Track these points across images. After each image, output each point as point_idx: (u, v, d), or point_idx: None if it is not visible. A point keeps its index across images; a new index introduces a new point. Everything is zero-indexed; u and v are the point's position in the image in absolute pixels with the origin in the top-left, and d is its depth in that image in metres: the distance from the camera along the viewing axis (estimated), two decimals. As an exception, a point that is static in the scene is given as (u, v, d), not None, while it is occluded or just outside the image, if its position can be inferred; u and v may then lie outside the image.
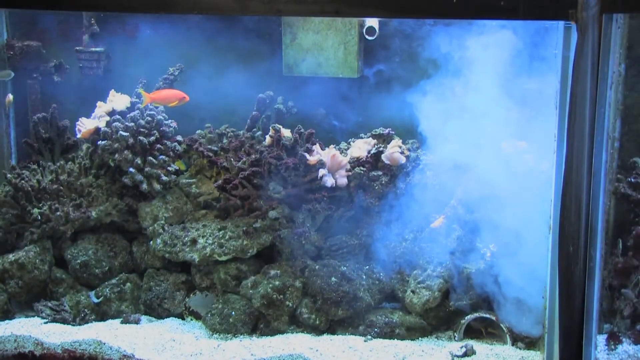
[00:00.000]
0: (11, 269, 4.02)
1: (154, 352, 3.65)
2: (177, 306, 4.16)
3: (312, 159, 3.99)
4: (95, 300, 4.14)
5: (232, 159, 4.16)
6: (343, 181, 4.04)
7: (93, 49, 4.56)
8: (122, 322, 4.04)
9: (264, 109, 4.46)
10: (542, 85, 3.46)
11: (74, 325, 3.99)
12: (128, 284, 4.22)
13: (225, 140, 4.42)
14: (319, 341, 3.80)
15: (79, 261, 4.18)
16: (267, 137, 4.13)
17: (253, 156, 4.08)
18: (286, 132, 4.11)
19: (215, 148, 4.31)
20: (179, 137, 4.38)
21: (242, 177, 4.01)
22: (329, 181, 3.98)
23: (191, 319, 4.12)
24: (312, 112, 4.46)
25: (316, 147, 4.05)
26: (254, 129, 4.43)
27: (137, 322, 4.03)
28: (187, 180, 4.35)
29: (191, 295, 4.16)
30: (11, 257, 4.05)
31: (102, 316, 4.16)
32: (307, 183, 4.02)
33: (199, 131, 4.50)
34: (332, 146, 4.21)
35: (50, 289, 4.15)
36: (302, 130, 4.09)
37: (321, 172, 3.98)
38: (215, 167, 4.25)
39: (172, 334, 3.88)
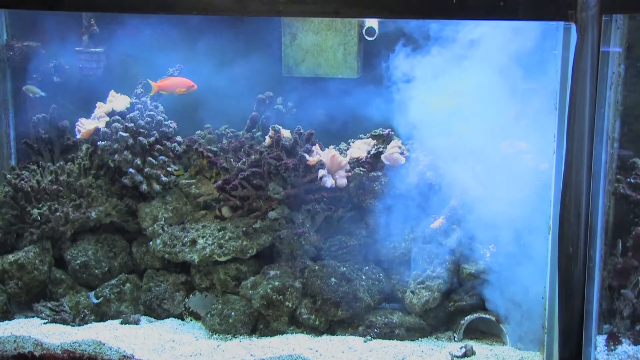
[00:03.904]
0: (11, 269, 4.01)
1: (153, 352, 3.64)
2: (176, 307, 4.15)
3: (311, 159, 3.97)
4: (95, 301, 4.14)
5: (231, 160, 4.14)
6: (343, 182, 4.03)
7: (93, 50, 4.55)
8: (121, 323, 4.03)
9: (264, 109, 4.45)
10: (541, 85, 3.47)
11: (73, 325, 3.97)
12: (128, 285, 4.21)
13: (224, 141, 4.41)
14: (318, 342, 3.80)
15: (78, 262, 4.16)
16: (267, 137, 4.12)
17: (253, 157, 4.07)
18: (286, 133, 4.09)
19: (215, 149, 4.31)
20: (179, 138, 4.37)
21: (241, 178, 3.99)
22: (329, 182, 3.97)
23: (191, 320, 4.11)
24: (312, 113, 4.43)
25: (316, 148, 4.04)
26: (254, 130, 4.42)
27: (136, 322, 4.02)
28: (186, 181, 4.33)
29: (191, 295, 4.15)
30: (11, 257, 4.03)
31: (101, 317, 4.15)
32: (306, 183, 4.01)
33: (198, 132, 4.50)
34: (331, 147, 4.21)
35: (50, 290, 4.14)
36: (301, 130, 4.06)
37: (321, 172, 3.97)
38: (215, 167, 4.25)
39: (172, 334, 3.88)
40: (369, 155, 4.13)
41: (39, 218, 4.06)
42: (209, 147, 4.33)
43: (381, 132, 4.25)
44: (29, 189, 4.08)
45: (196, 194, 4.31)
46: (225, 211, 4.15)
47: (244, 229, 3.98)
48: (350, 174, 4.06)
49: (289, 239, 3.98)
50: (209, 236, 4.03)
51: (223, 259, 3.98)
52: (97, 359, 3.65)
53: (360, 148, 4.18)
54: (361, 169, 4.07)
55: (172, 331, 3.93)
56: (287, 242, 3.99)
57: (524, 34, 3.48)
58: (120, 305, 4.16)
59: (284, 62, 4.34)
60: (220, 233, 4.02)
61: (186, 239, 4.07)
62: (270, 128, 4.10)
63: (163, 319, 4.14)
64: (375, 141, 4.21)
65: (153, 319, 4.14)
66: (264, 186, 4.02)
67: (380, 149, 4.12)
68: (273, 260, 4.11)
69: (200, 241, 4.02)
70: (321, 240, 4.10)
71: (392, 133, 4.23)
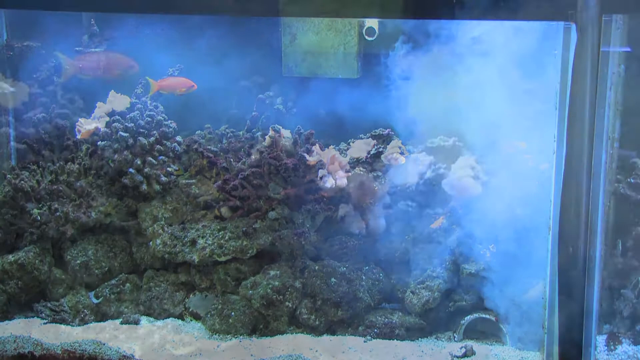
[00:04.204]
0: (11, 269, 3.98)
1: (153, 352, 3.65)
2: (176, 306, 4.13)
3: (311, 159, 3.95)
4: (95, 301, 4.12)
5: (231, 160, 4.13)
6: (343, 182, 3.99)
7: (93, 50, 4.53)
8: (121, 323, 4.01)
9: (264, 109, 4.44)
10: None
11: (73, 325, 3.96)
12: (127, 285, 4.19)
13: (225, 141, 4.40)
14: (318, 342, 3.80)
15: (78, 262, 4.14)
16: (267, 137, 4.08)
17: (253, 157, 4.05)
18: (286, 133, 4.08)
19: (215, 149, 4.29)
20: (179, 138, 4.35)
21: (241, 178, 3.98)
22: (329, 182, 3.95)
23: (191, 320, 4.09)
24: (312, 113, 4.40)
25: (316, 148, 4.00)
26: (254, 130, 4.39)
27: (136, 322, 4.01)
28: (186, 181, 4.32)
29: (191, 295, 4.13)
30: (11, 257, 4.00)
31: (101, 317, 4.13)
32: (306, 184, 3.99)
33: (198, 132, 4.48)
34: (331, 147, 4.19)
35: (50, 290, 4.13)
36: (301, 130, 4.04)
37: (321, 172, 3.96)
38: (215, 167, 4.22)
39: (172, 334, 3.87)
40: (369, 156, 4.14)
41: (39, 218, 4.04)
42: (209, 147, 4.32)
43: (381, 132, 4.25)
44: (29, 189, 4.06)
45: (196, 194, 4.28)
46: (225, 211, 4.14)
47: (244, 229, 3.96)
48: (350, 174, 4.05)
49: (289, 239, 3.95)
50: (209, 236, 4.01)
51: (223, 259, 3.96)
52: (97, 359, 3.63)
53: (360, 148, 4.19)
54: (361, 169, 4.07)
55: (172, 331, 3.92)
56: (287, 242, 3.96)
57: (526, 32, 3.47)
58: (120, 305, 4.14)
59: (284, 62, 4.33)
60: (220, 233, 4.00)
61: (186, 239, 4.05)
62: (270, 128, 4.07)
63: (163, 319, 4.11)
64: (375, 141, 4.21)
65: (153, 319, 4.12)
66: (264, 186, 4.00)
67: (380, 149, 4.12)
68: (273, 260, 4.08)
69: (200, 241, 4.00)
70: (321, 240, 4.07)
71: (392, 133, 4.23)
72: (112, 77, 4.21)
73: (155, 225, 4.17)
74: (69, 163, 4.33)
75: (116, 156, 4.20)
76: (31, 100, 4.62)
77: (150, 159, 4.20)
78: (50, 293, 4.13)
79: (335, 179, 4.00)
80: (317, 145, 4.05)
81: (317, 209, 3.99)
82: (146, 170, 4.20)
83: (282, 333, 3.89)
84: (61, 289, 4.14)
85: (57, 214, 4.07)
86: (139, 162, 4.19)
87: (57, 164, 4.29)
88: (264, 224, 4.01)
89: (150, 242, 4.17)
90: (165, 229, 4.16)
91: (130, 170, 4.18)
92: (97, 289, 4.19)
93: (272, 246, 4.05)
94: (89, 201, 4.20)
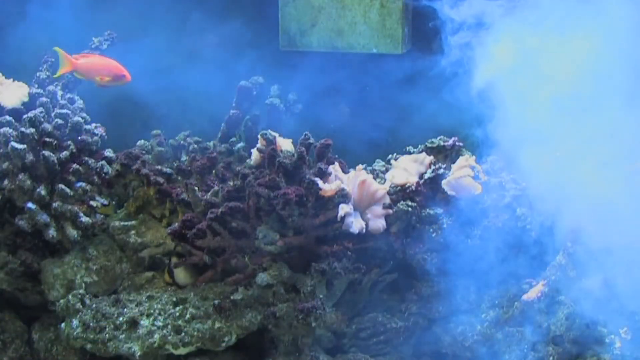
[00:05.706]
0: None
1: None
2: None
3: (327, 187, 3.84)
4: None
5: (195, 188, 4.06)
6: (378, 224, 3.95)
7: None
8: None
9: (249, 105, 4.51)
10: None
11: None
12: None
13: (184, 158, 4.43)
14: None
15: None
16: (254, 151, 4.06)
17: (230, 183, 4.01)
18: (285, 144, 4.04)
19: (169, 170, 4.25)
20: (109, 152, 4.26)
21: (212, 218, 3.89)
22: (356, 224, 3.87)
23: None
24: (328, 111, 4.58)
25: (334, 169, 3.97)
26: (232, 139, 4.47)
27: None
28: (122, 224, 4.24)
29: None
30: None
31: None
32: (319, 227, 3.91)
33: (141, 142, 4.48)
34: (360, 166, 4.09)
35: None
36: (310, 140, 3.97)
37: (343, 209, 3.83)
38: (168, 201, 4.23)
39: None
40: (422, 181, 4.09)
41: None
42: (159, 167, 4.27)
43: (442, 143, 4.24)
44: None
45: (137, 245, 4.22)
46: (185, 273, 4.11)
47: (217, 302, 3.89)
48: (391, 211, 3.99)
49: (290, 318, 3.86)
50: (159, 314, 3.95)
51: (182, 351, 3.88)
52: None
53: (408, 169, 4.14)
54: (410, 203, 4.00)
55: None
56: (288, 323, 3.88)
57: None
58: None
59: (282, 28, 4.55)
60: (178, 309, 3.94)
61: (121, 319, 3.95)
62: (259, 136, 4.05)
63: None
64: (432, 157, 4.19)
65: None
66: (249, 232, 3.91)
67: (441, 171, 4.06)
68: (265, 353, 4.03)
69: (145, 322, 3.91)
70: (343, 321, 4.04)
71: (460, 144, 4.24)
72: (101, 83, 4.43)
73: (70, 297, 4.06)
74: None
75: (6, 182, 4.07)
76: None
77: (62, 186, 4.06)
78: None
79: (366, 220, 3.95)
80: (336, 164, 4.04)
81: (336, 268, 3.89)
82: (55, 205, 4.06)
83: None
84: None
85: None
86: (43, 192, 4.05)
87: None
88: (250, 294, 3.92)
89: (63, 324, 4.05)
90: (88, 301, 4.07)
91: (29, 205, 4.05)
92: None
93: (262, 330, 3.99)
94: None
